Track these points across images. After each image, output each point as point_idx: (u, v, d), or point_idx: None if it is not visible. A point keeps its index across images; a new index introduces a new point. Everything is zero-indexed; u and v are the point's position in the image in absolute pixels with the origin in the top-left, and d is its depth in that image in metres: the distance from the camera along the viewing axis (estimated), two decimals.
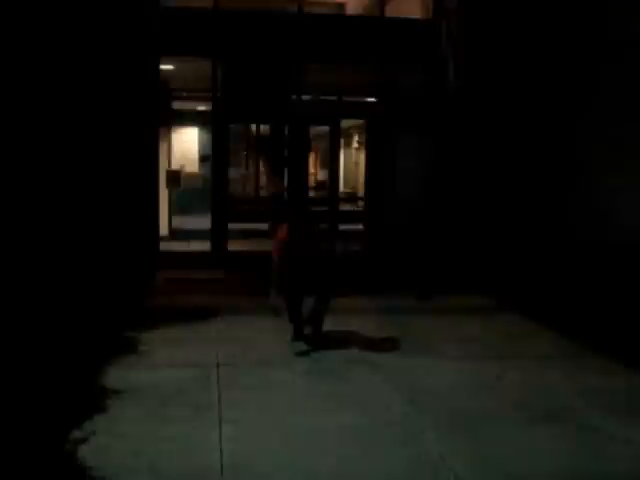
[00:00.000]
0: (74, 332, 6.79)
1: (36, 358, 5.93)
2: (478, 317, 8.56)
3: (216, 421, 5.06)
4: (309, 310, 7.13)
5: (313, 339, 7.14)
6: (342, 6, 13.80)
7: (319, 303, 7.06)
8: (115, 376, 5.95)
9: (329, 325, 7.64)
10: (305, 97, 12.19)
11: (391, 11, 11.81)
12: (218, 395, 5.60)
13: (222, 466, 4.35)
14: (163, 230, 13.05)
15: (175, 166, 14.91)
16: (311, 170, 21.91)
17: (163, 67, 11.52)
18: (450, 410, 5.40)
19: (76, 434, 4.68)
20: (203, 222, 12.26)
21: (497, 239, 10.40)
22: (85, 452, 4.43)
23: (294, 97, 11.71)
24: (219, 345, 7.05)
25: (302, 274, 7.03)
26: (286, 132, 12.68)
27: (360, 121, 15.90)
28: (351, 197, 19.77)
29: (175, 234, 13.80)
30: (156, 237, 11.40)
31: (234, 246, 11.64)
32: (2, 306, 6.38)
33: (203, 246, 11.62)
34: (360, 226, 13.00)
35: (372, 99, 12.66)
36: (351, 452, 4.61)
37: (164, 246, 11.68)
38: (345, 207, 17.52)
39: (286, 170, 12.70)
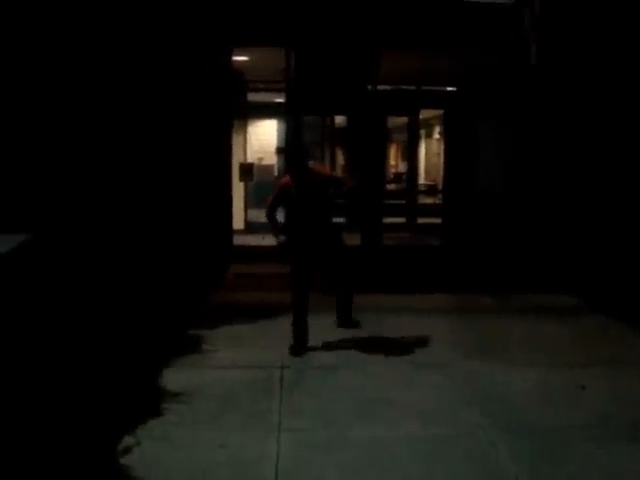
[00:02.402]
0: (138, 328, 6.65)
1: (95, 356, 5.79)
2: (560, 318, 8.01)
3: (275, 428, 4.80)
4: (335, 292, 7.16)
5: (349, 321, 7.19)
6: None
7: (339, 277, 7.03)
8: (175, 376, 5.77)
9: (398, 324, 7.32)
10: (382, 87, 11.81)
11: None
12: (279, 400, 5.34)
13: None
14: (239, 224, 12.96)
15: (252, 159, 14.77)
16: (391, 162, 21.54)
17: (238, 58, 11.36)
18: (527, 423, 4.98)
19: (128, 440, 4.49)
20: (280, 215, 12.01)
21: (581, 234, 9.80)
22: (135, 461, 4.23)
23: (370, 87, 11.36)
24: (286, 345, 6.78)
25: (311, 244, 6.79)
26: (363, 123, 12.34)
27: (441, 111, 15.42)
28: (431, 189, 19.27)
29: (250, 227, 13.66)
30: (229, 231, 11.27)
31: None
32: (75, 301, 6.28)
33: None
34: (439, 220, 12.56)
35: (452, 87, 12.18)
36: (417, 469, 4.26)
37: (238, 240, 11.55)
38: (427, 200, 17.09)
39: (363, 162, 12.37)
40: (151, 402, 5.18)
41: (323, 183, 6.84)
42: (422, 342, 6.91)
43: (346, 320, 7.26)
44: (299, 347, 6.60)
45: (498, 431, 4.82)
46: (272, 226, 7.09)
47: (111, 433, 4.54)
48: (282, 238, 7.02)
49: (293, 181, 6.78)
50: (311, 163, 7.28)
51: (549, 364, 6.31)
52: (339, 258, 6.98)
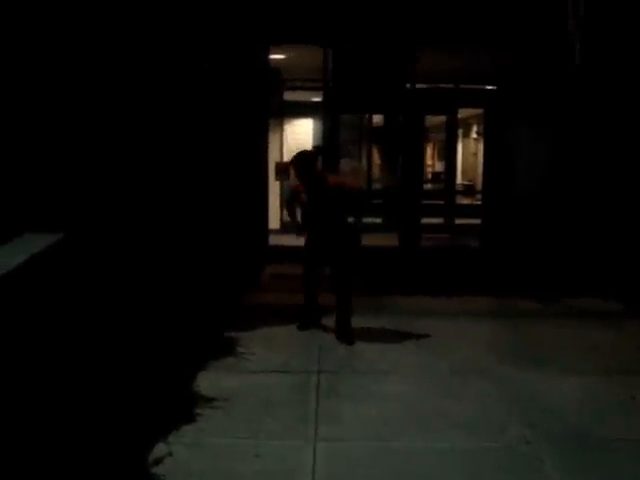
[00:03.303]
0: (172, 330, 6.53)
1: (128, 358, 5.68)
2: (605, 323, 7.74)
3: (312, 437, 4.64)
4: (336, 303, 7.09)
5: (346, 336, 6.92)
6: None
7: (340, 286, 7.03)
8: (209, 380, 5.64)
9: (439, 328, 7.13)
10: (420, 85, 11.60)
11: None
12: (316, 406, 5.18)
13: None
14: (274, 223, 12.85)
15: (289, 158, 14.64)
16: (428, 162, 21.31)
17: (275, 56, 11.24)
18: (575, 435, 4.75)
19: (160, 448, 4.36)
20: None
21: (625, 237, 9.51)
22: (167, 470, 4.10)
23: (408, 85, 11.16)
24: (323, 349, 6.63)
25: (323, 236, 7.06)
26: (400, 122, 12.15)
27: (479, 110, 15.16)
28: (469, 189, 19.00)
29: (286, 227, 13.53)
30: (265, 231, 11.16)
31: None
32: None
33: None
34: (478, 220, 12.30)
35: (491, 86, 11.92)
36: None
37: (274, 240, 11.43)
38: (464, 201, 16.87)
39: (400, 162, 12.18)
40: (184, 407, 5.05)
41: (333, 190, 6.89)
42: (464, 348, 6.71)
43: (342, 332, 6.96)
44: (303, 323, 7.27)
45: (545, 443, 4.60)
46: (290, 215, 7.66)
47: (143, 440, 4.42)
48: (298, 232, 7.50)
49: (303, 187, 7.00)
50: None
51: (596, 372, 6.07)
52: (347, 261, 7.04)
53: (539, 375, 5.95)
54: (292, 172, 7.38)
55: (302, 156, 7.11)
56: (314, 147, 15.88)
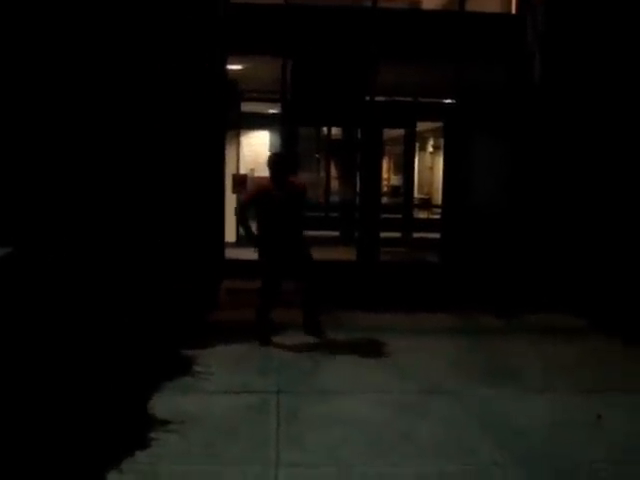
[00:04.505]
0: (125, 348, 6.26)
1: (78, 377, 5.40)
2: (567, 340, 7.67)
3: (273, 463, 4.43)
4: (302, 299, 7.33)
5: (316, 329, 7.31)
6: (418, 2, 13.06)
7: (307, 286, 7.22)
8: (164, 402, 5.39)
9: (400, 346, 6.99)
10: (379, 98, 11.50)
11: (471, 6, 11.04)
12: (277, 429, 4.97)
13: None
14: (230, 236, 12.60)
15: (245, 170, 14.42)
16: (385, 175, 21.28)
17: (232, 67, 11.03)
18: (548, 457, 4.61)
19: (113, 476, 4.11)
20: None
21: (583, 251, 9.51)
22: None
23: (367, 98, 11.05)
24: (281, 367, 6.43)
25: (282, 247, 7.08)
26: (359, 135, 12.04)
27: (435, 124, 15.16)
28: (425, 203, 19.01)
29: (242, 240, 13.30)
30: (221, 244, 10.90)
31: None
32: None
33: None
34: (435, 234, 12.23)
35: (450, 100, 11.89)
36: None
37: (230, 253, 11.19)
38: (421, 215, 16.86)
39: (358, 175, 12.06)
40: (138, 431, 4.80)
41: (301, 194, 7.21)
42: (426, 366, 6.57)
43: (312, 325, 7.37)
44: (263, 339, 7.14)
45: (515, 467, 4.47)
46: (244, 227, 7.36)
47: (93, 468, 4.16)
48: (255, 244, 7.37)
49: (274, 187, 7.07)
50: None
51: (561, 390, 5.98)
52: (308, 267, 7.20)
53: (505, 394, 5.84)
54: (248, 185, 7.50)
55: (279, 156, 7.55)
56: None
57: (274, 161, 7.25)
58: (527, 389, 5.99)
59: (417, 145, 19.03)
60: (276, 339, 7.22)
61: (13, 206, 6.14)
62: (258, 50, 10.49)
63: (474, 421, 5.25)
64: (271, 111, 13.84)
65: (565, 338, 7.73)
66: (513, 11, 10.85)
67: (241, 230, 7.83)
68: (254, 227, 7.37)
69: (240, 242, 13.11)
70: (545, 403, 5.65)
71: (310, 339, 7.27)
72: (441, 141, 14.15)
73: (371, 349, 7.04)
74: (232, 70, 11.00)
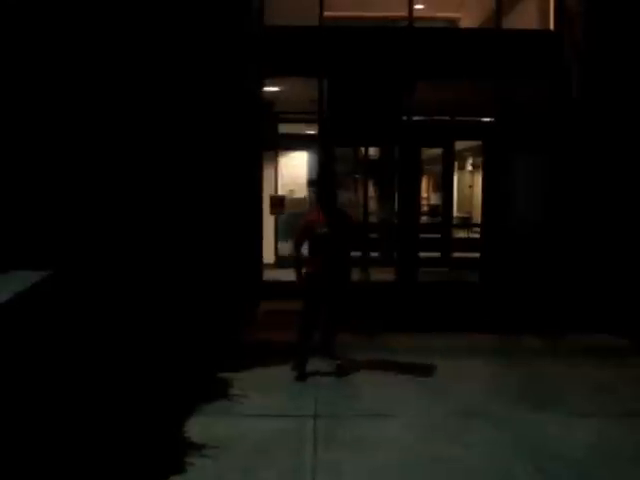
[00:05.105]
0: (162, 370, 6.25)
1: (114, 399, 5.39)
2: (610, 361, 7.49)
3: None
4: (323, 320, 6.99)
5: (331, 352, 7.04)
6: (455, 21, 13.00)
7: (332, 309, 6.93)
8: (200, 425, 5.36)
9: (440, 368, 6.86)
10: (417, 117, 11.44)
11: (508, 23, 10.95)
12: (312, 455, 4.90)
13: None
14: (269, 258, 12.61)
15: (284, 191, 14.45)
16: (424, 194, 21.14)
17: (268, 89, 11.10)
18: None
19: None
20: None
21: (629, 270, 9.29)
22: None
23: (405, 118, 11.00)
24: (320, 390, 6.35)
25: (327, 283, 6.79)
26: (396, 155, 11.97)
27: (474, 142, 15.01)
28: (465, 222, 18.81)
29: (281, 261, 13.30)
30: (259, 265, 10.91)
31: None
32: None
33: None
34: (475, 254, 12.08)
35: (488, 118, 11.78)
36: None
37: (268, 275, 11.19)
38: (461, 234, 16.66)
39: (396, 195, 11.98)
40: (173, 455, 4.77)
41: (349, 227, 7.00)
42: (466, 389, 6.44)
43: (328, 348, 7.10)
44: (301, 373, 6.78)
45: None
46: (296, 266, 6.93)
47: None
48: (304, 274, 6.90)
49: (323, 217, 6.81)
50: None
51: (604, 414, 5.81)
52: (342, 296, 6.96)
53: (546, 418, 5.69)
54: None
55: (329, 184, 7.26)
56: (309, 181, 15.80)
57: (322, 196, 7.02)
58: (570, 413, 5.83)
59: (457, 163, 18.89)
60: (312, 362, 7.10)
61: (51, 228, 6.19)
62: (294, 71, 10.55)
63: (516, 446, 5.11)
64: (309, 132, 13.85)
65: (609, 359, 7.54)
66: (551, 27, 10.74)
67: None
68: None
69: (279, 263, 13.14)
70: (589, 427, 5.48)
71: (348, 361, 7.17)
72: (481, 159, 14.00)
73: (410, 371, 6.93)
74: (269, 92, 11.06)
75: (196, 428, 5.31)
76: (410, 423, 5.55)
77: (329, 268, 6.75)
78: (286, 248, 13.70)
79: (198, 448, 4.91)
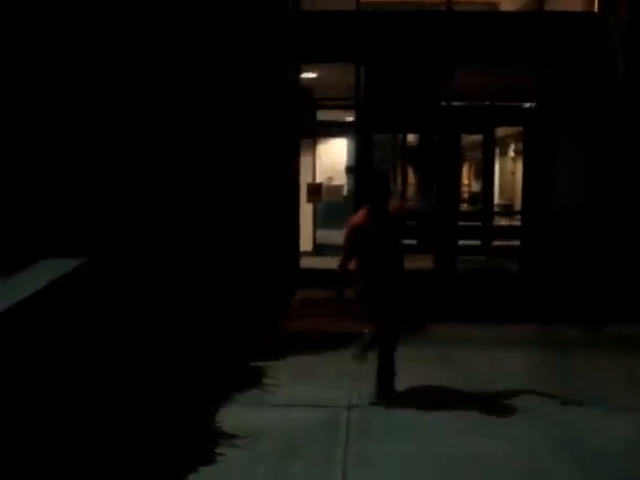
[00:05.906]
0: (195, 359, 6.22)
1: (146, 387, 5.37)
2: None
3: None
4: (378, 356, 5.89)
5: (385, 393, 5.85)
6: (495, 4, 12.73)
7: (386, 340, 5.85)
8: (232, 415, 5.31)
9: (480, 359, 6.71)
10: (456, 103, 11.24)
11: (550, 5, 10.67)
12: (345, 446, 4.82)
13: None
14: (307, 245, 12.54)
15: (321, 178, 14.36)
16: (464, 181, 20.87)
17: (306, 75, 11.00)
18: None
19: None
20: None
21: None
22: None
23: (444, 103, 10.82)
24: (355, 381, 6.23)
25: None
26: (435, 141, 11.79)
27: (517, 128, 14.73)
28: (507, 210, 18.53)
29: (319, 249, 13.24)
30: (296, 253, 10.85)
31: None
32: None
33: None
34: (516, 242, 11.85)
35: (529, 104, 11.52)
36: None
37: (306, 262, 11.12)
38: (502, 222, 16.40)
39: (435, 182, 11.82)
40: (203, 445, 4.73)
41: (399, 219, 6.00)
42: (505, 381, 6.27)
43: (383, 388, 5.88)
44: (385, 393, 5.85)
45: None
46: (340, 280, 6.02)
47: None
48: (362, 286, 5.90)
49: (370, 215, 5.81)
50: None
51: None
52: (400, 311, 6.03)
53: (589, 413, 5.52)
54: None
55: (384, 180, 6.08)
56: (347, 167, 15.68)
57: (375, 184, 5.97)
58: (614, 408, 5.63)
59: (498, 150, 18.59)
60: (347, 350, 6.92)
61: (88, 215, 6.19)
62: (331, 57, 10.43)
63: (556, 442, 4.96)
64: (347, 119, 13.73)
65: None
66: (595, 9, 10.45)
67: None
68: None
69: (316, 251, 13.07)
70: (632, 423, 5.32)
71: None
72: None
73: (447, 363, 6.81)
74: (306, 78, 10.96)
75: (228, 418, 5.27)
76: (447, 416, 5.44)
77: (388, 275, 5.88)
78: (324, 236, 13.63)
79: (229, 438, 4.87)
